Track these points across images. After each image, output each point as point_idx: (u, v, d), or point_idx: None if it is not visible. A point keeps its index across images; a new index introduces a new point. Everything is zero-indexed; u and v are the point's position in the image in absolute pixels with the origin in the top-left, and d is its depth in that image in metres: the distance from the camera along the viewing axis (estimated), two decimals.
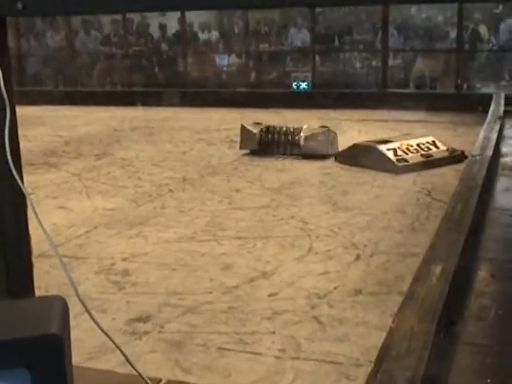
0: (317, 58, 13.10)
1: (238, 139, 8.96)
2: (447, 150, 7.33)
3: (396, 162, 6.93)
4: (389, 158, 6.97)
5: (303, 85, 12.43)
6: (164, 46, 14.23)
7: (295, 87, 12.48)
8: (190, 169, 7.35)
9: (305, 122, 10.24)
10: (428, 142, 7.45)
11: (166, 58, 14.19)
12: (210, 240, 4.93)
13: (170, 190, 6.41)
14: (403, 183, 6.40)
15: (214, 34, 14.15)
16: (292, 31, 13.57)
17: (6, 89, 1.32)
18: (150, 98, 12.57)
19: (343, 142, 8.42)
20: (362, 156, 7.17)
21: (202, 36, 14.12)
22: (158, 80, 13.53)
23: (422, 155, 7.17)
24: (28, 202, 1.45)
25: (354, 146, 7.47)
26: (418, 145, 7.35)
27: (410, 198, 5.89)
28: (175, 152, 8.33)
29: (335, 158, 7.51)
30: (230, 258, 4.54)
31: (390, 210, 5.52)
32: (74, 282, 1.38)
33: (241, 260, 4.48)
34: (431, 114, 10.13)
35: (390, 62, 12.64)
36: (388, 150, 7.13)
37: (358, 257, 4.44)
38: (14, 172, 1.34)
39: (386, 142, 7.41)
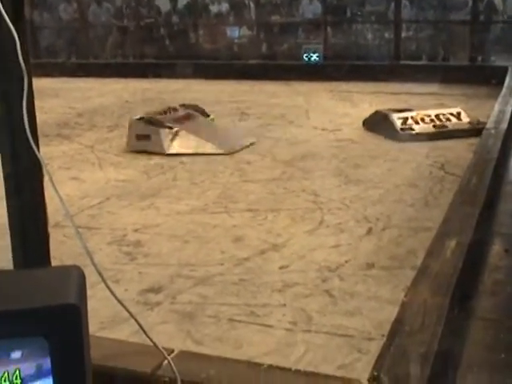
0: (328, 29, 12.96)
1: (250, 111, 8.93)
2: (469, 122, 7.24)
3: (400, 131, 6.96)
4: (394, 126, 6.98)
5: (314, 56, 12.32)
6: (175, 18, 14.13)
7: (306, 59, 12.37)
8: None
9: (316, 94, 10.20)
10: (451, 114, 7.38)
11: (177, 30, 14.08)
12: (222, 212, 4.93)
13: (182, 162, 6.40)
14: (415, 156, 6.35)
15: (225, 6, 14.02)
16: (303, 2, 13.43)
17: (23, 59, 1.31)
18: (161, 69, 12.49)
19: (355, 115, 8.40)
20: (378, 123, 7.26)
21: (213, 8, 13.99)
22: (169, 52, 13.44)
23: (434, 126, 7.14)
24: (44, 172, 1.45)
25: (376, 113, 7.59)
26: (436, 115, 7.31)
27: (422, 171, 5.85)
28: None
29: (363, 124, 7.65)
30: (241, 230, 4.54)
31: (402, 183, 5.49)
32: (90, 252, 1.38)
33: (252, 232, 4.48)
34: (444, 86, 10.02)
35: (403, 34, 12.49)
36: (399, 118, 7.15)
37: (369, 230, 4.43)
38: (32, 141, 1.33)
39: (404, 110, 7.47)
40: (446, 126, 7.16)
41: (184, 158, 6.51)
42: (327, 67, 11.91)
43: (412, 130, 7.04)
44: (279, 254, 4.07)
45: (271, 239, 4.31)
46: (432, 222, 4.27)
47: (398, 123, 7.10)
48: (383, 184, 5.49)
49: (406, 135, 6.93)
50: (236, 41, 13.75)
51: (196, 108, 7.89)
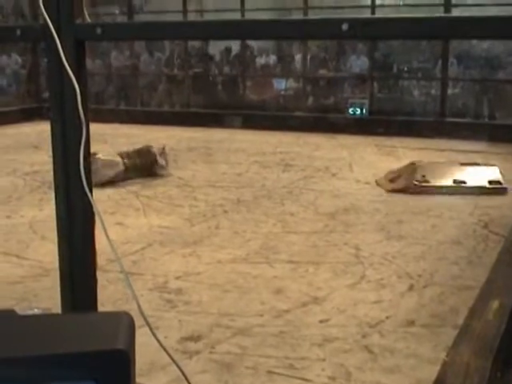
0: (375, 84, 13.06)
1: (293, 163, 9.00)
2: (490, 181, 7.35)
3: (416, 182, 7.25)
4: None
5: (359, 111, 12.40)
6: (226, 69, 14.42)
7: (352, 113, 12.46)
8: (244, 190, 7.39)
9: (361, 148, 10.23)
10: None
11: (225, 81, 14.35)
12: (263, 262, 4.94)
13: (225, 211, 6.45)
14: (459, 213, 6.29)
15: (272, 58, 14.28)
16: (351, 57, 13.59)
17: (82, 109, 1.37)
18: (207, 119, 12.73)
19: None
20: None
21: (261, 60, 14.25)
22: (216, 102, 13.69)
23: (454, 181, 7.34)
24: (96, 217, 1.50)
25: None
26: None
27: (466, 229, 5.78)
28: (230, 173, 8.39)
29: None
30: (282, 281, 4.53)
31: (445, 240, 5.43)
32: (136, 296, 1.41)
33: (293, 284, 4.47)
34: (489, 144, 9.96)
35: (449, 91, 12.51)
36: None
37: (411, 287, 4.38)
38: (86, 187, 1.38)
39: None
40: (465, 182, 7.29)
41: (227, 207, 6.58)
42: (372, 122, 11.97)
43: (427, 181, 7.32)
44: (320, 307, 4.05)
45: (312, 292, 4.29)
46: (475, 281, 4.21)
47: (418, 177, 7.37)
48: (426, 240, 5.44)
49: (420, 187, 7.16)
50: (282, 92, 13.93)
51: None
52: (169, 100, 14.27)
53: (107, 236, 1.42)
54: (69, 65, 1.39)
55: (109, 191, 7.26)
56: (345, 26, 1.20)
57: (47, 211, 6.31)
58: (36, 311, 1.23)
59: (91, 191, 1.49)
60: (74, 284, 1.54)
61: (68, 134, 1.44)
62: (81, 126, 1.39)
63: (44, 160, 8.84)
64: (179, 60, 14.59)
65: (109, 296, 3.59)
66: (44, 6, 1.37)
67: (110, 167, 7.56)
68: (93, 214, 1.54)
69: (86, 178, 1.40)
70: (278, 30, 1.25)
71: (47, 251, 5.11)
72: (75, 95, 1.38)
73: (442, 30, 1.14)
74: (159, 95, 14.35)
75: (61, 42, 1.38)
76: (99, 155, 7.42)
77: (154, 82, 14.46)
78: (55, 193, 1.56)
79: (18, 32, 1.46)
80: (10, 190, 7.36)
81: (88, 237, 1.54)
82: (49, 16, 1.37)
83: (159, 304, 4.05)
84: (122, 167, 7.68)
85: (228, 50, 14.12)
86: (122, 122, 12.63)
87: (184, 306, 4.08)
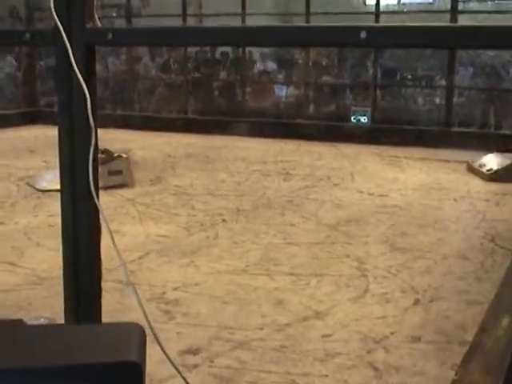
0: (378, 92, 13.09)
1: (294, 172, 9.02)
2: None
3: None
4: None
5: (362, 119, 12.44)
6: (223, 75, 14.45)
7: (354, 121, 12.49)
8: (244, 199, 7.40)
9: (363, 157, 10.25)
10: None
11: (224, 87, 14.38)
12: (263, 274, 4.94)
13: (224, 220, 6.46)
14: (465, 227, 6.31)
15: (272, 65, 14.31)
16: (353, 64, 13.63)
17: (92, 116, 1.38)
18: (206, 125, 12.75)
19: (403, 180, 8.42)
20: None
21: (260, 65, 14.29)
22: (215, 108, 13.72)
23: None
24: (103, 223, 1.51)
25: None
26: None
27: (473, 242, 5.79)
28: (230, 181, 8.40)
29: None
30: (282, 294, 4.54)
31: (451, 254, 5.44)
32: (143, 307, 1.41)
33: (294, 297, 4.48)
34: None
35: (454, 100, 12.55)
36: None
37: (416, 302, 4.38)
38: (94, 195, 1.39)
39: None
40: None
41: (226, 216, 6.58)
42: (375, 131, 12.00)
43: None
44: (322, 321, 4.05)
45: (314, 306, 4.29)
46: (483, 296, 4.22)
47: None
48: (431, 254, 5.44)
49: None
50: (283, 100, 13.96)
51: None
52: (166, 105, 14.29)
53: (114, 243, 1.44)
54: (79, 69, 1.40)
55: (105, 198, 7.26)
56: (363, 34, 1.21)
57: (42, 217, 6.32)
58: (43, 321, 1.23)
59: (98, 197, 1.50)
60: (79, 293, 1.54)
61: (76, 139, 1.45)
62: (89, 131, 1.40)
63: (40, 165, 8.88)
64: (176, 65, 14.62)
65: (105, 306, 3.58)
66: (55, 9, 1.38)
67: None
68: (99, 220, 1.55)
69: (94, 184, 1.42)
70: (294, 37, 1.27)
71: (42, 259, 5.11)
72: (85, 100, 1.40)
73: (465, 40, 1.16)
74: (156, 100, 14.38)
75: (71, 47, 1.39)
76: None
77: (152, 87, 14.50)
78: (61, 199, 1.57)
79: (28, 36, 1.48)
80: (4, 196, 7.35)
81: (93, 244, 1.55)
82: (59, 20, 1.38)
83: (157, 315, 4.05)
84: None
85: (225, 54, 14.15)
86: (118, 126, 12.63)
87: (182, 318, 4.08)
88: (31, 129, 13.11)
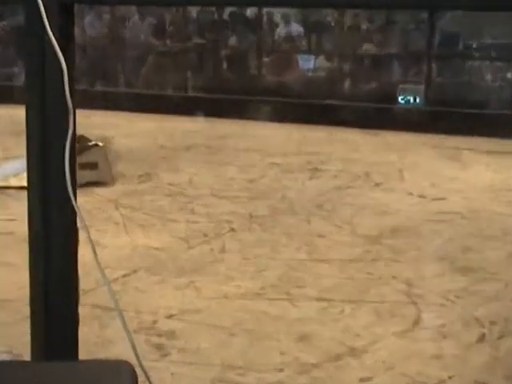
0: (433, 65, 13.06)
1: (324, 167, 9.01)
2: None
3: None
4: None
5: (413, 100, 12.41)
6: (233, 41, 14.46)
7: (402, 103, 12.46)
8: (258, 203, 7.41)
9: (414, 149, 10.24)
10: None
11: (233, 56, 14.38)
12: (283, 299, 4.95)
13: (232, 229, 6.47)
14: None
15: (297, 28, 14.28)
16: (399, 29, 13.61)
17: (70, 92, 1.39)
18: (209, 106, 12.75)
19: (465, 180, 8.40)
20: None
21: (282, 30, 14.28)
22: (222, 84, 13.72)
23: None
24: (81, 230, 1.52)
25: None
26: None
27: None
28: (240, 179, 8.41)
29: None
30: (308, 325, 4.55)
31: None
32: (135, 346, 1.43)
33: (323, 330, 4.48)
34: None
35: None
36: None
37: (482, 337, 4.38)
38: (71, 193, 1.40)
39: None
40: None
41: (235, 224, 6.60)
42: (429, 115, 11.96)
43: None
44: (359, 361, 4.06)
45: (349, 341, 4.29)
46: None
47: None
48: (502, 275, 5.43)
49: None
50: (310, 74, 13.95)
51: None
52: (158, 80, 14.32)
53: (96, 256, 1.45)
54: (53, 33, 1.41)
55: (78, 198, 7.29)
56: None
57: (0, 224, 6.37)
58: (5, 357, 1.24)
59: (75, 196, 1.52)
60: (50, 321, 1.56)
61: (49, 122, 1.47)
62: (66, 112, 1.42)
63: None
64: (173, 28, 14.65)
65: (81, 338, 3.60)
66: None
67: None
68: (76, 226, 1.56)
69: (71, 180, 1.43)
70: None
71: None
72: (61, 73, 1.41)
73: None
74: (146, 73, 14.41)
75: (43, 4, 1.40)
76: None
77: (141, 55, 14.53)
78: (28, 198, 1.58)
79: None
80: None
81: (69, 256, 1.57)
82: None
83: (146, 351, 4.06)
84: None
85: (235, 15, 14.15)
86: (97, 107, 12.67)
87: (178, 355, 4.10)
88: None
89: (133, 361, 3.86)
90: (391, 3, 1.19)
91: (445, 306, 4.86)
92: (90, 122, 11.82)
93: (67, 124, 1.42)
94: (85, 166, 7.47)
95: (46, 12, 1.41)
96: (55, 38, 1.43)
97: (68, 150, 1.41)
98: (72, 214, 1.47)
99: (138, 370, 3.64)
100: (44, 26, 1.41)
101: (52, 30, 1.44)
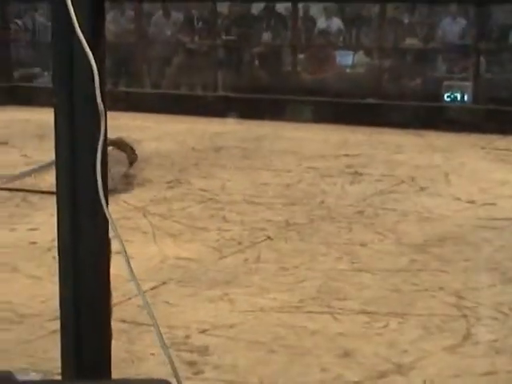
0: (482, 59, 12.98)
1: (365, 171, 8.99)
2: None
3: None
4: None
5: (460, 97, 12.36)
6: (267, 36, 14.49)
7: (448, 100, 12.41)
8: (295, 209, 7.41)
9: (461, 151, 10.18)
10: None
11: (267, 53, 14.41)
12: (323, 313, 4.93)
13: (268, 238, 6.47)
14: None
15: (336, 22, 14.28)
16: (445, 22, 13.55)
17: (101, 94, 1.40)
18: (241, 107, 12.78)
19: None
20: None
21: (320, 23, 14.29)
22: (254, 83, 13.75)
23: None
24: (112, 233, 1.52)
25: None
26: None
27: None
28: (275, 184, 8.42)
29: None
30: (350, 340, 4.53)
31: None
32: (172, 360, 1.44)
33: (366, 345, 4.46)
34: None
35: None
36: None
37: None
38: (103, 200, 1.41)
39: None
40: None
41: (271, 232, 6.59)
42: (478, 114, 11.90)
43: None
44: (406, 379, 4.04)
45: (394, 357, 4.27)
46: None
47: None
48: None
49: None
50: (348, 71, 13.95)
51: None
52: (187, 79, 14.38)
53: (130, 268, 1.46)
54: (82, 32, 1.42)
55: None
56: None
57: (20, 233, 6.41)
58: (34, 375, 1.25)
59: (107, 203, 1.53)
60: (81, 338, 1.56)
61: (79, 126, 1.47)
62: (97, 116, 1.42)
63: (16, 161, 9.00)
64: (202, 24, 14.72)
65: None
66: None
67: (118, 161, 7.74)
68: (108, 236, 1.57)
69: (103, 186, 1.44)
70: None
71: (20, 288, 5.18)
72: (91, 74, 1.41)
73: None
74: (173, 72, 14.48)
75: (72, 2, 1.41)
76: None
77: (168, 53, 14.61)
78: (57, 207, 1.59)
79: None
80: None
81: (102, 269, 1.57)
82: None
83: (178, 368, 4.06)
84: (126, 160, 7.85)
85: (269, 9, 14.18)
86: (123, 109, 12.75)
87: (212, 372, 4.10)
88: (3, 112, 13.30)
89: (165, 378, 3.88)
90: None
91: (497, 319, 4.82)
92: (117, 125, 11.90)
93: (98, 128, 1.43)
94: None
95: (74, 9, 1.42)
96: (85, 37, 1.44)
97: (99, 155, 1.42)
98: (104, 223, 1.48)
99: None
100: (73, 25, 1.42)
101: (81, 29, 1.44)
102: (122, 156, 8.05)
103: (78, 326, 1.57)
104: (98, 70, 1.43)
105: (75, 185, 1.52)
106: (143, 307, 4.92)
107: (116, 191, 7.53)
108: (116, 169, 7.77)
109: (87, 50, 1.44)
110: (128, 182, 7.94)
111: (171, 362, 1.42)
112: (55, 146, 1.56)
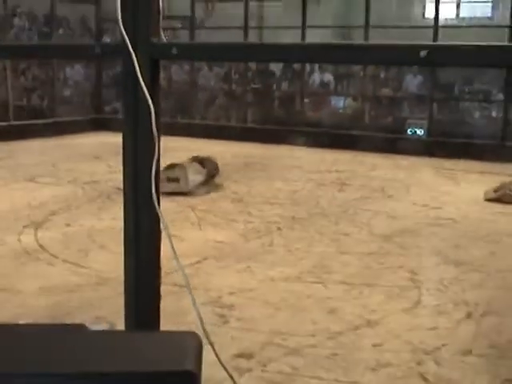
0: (434, 105, 12.88)
1: (349, 182, 8.94)
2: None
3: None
4: None
5: (418, 132, 12.27)
6: (284, 85, 14.48)
7: (410, 133, 12.33)
8: (299, 208, 7.38)
9: (419, 170, 10.10)
10: None
11: (283, 97, 14.42)
12: (316, 282, 4.91)
13: (279, 228, 6.45)
14: None
15: (328, 77, 14.27)
16: (408, 77, 13.50)
17: (156, 126, 1.39)
18: (263, 135, 12.78)
19: (458, 194, 8.26)
20: None
21: (319, 77, 14.25)
22: (273, 118, 13.73)
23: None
24: (163, 229, 1.52)
25: None
26: None
27: None
28: (285, 190, 8.40)
29: None
30: (335, 302, 4.49)
31: (505, 268, 5.30)
32: (199, 313, 1.42)
33: (346, 306, 4.43)
34: None
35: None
36: None
37: (468, 315, 4.28)
38: (156, 203, 1.40)
39: None
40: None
41: (281, 224, 6.57)
42: (431, 143, 11.82)
43: None
44: (373, 330, 4.00)
45: (366, 315, 4.24)
46: None
47: None
48: (484, 267, 5.32)
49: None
50: (340, 111, 13.89)
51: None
52: (225, 114, 14.40)
53: (173, 249, 1.45)
54: (144, 82, 1.42)
55: (166, 203, 7.34)
56: (423, 53, 1.19)
57: (106, 221, 6.43)
58: (104, 326, 1.25)
59: (159, 204, 1.52)
60: (139, 300, 1.56)
61: (140, 148, 1.47)
62: (153, 141, 1.42)
63: (104, 170, 9.05)
64: (237, 75, 14.72)
65: (162, 309, 3.61)
66: (122, 24, 1.40)
67: (199, 172, 7.74)
68: (159, 227, 1.56)
69: (156, 193, 1.43)
70: (354, 55, 1.25)
71: (105, 260, 5.20)
72: (149, 111, 1.41)
73: None
74: (216, 110, 14.50)
75: (137, 60, 1.41)
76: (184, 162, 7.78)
77: (212, 96, 14.64)
78: (124, 205, 1.59)
79: (98, 49, 1.51)
80: (70, 199, 7.51)
81: (154, 250, 1.57)
82: (127, 34, 1.40)
83: (212, 319, 4.06)
84: (205, 172, 7.88)
85: (287, 66, 14.17)
86: (179, 134, 12.78)
87: (236, 322, 4.08)
88: (97, 135, 13.37)
89: (200, 327, 3.87)
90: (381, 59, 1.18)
91: (440, 290, 4.77)
92: (177, 146, 11.93)
93: (154, 150, 1.42)
94: (170, 180, 7.56)
95: (138, 65, 1.41)
96: (145, 85, 1.43)
97: (154, 170, 1.41)
98: (156, 218, 1.47)
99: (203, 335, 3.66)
100: (137, 76, 1.42)
101: (143, 80, 1.44)
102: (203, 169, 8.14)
103: (136, 290, 1.56)
104: (155, 109, 1.42)
105: (136, 189, 1.52)
106: (190, 275, 4.92)
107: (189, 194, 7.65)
108: (196, 178, 7.86)
109: (147, 95, 1.44)
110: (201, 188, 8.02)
111: (199, 315, 1.40)
112: (123, 162, 1.56)
